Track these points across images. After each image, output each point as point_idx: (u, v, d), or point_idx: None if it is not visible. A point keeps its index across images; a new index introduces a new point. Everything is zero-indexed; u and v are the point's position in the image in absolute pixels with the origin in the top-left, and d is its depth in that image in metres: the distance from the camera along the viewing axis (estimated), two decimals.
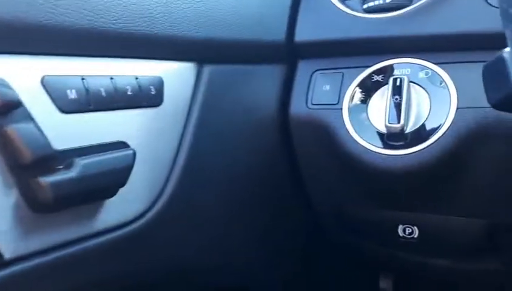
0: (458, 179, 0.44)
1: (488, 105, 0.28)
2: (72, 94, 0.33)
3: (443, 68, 0.44)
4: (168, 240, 0.44)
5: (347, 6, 0.50)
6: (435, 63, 0.44)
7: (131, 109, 0.38)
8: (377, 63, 0.47)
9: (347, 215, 0.55)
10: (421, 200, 0.48)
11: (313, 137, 0.51)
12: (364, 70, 0.47)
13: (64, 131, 0.32)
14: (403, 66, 0.45)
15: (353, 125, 0.47)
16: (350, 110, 0.47)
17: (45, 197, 0.30)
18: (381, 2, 0.48)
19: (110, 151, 0.34)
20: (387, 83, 0.45)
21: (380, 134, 0.45)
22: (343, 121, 0.47)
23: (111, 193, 0.35)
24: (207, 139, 0.46)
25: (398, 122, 0.43)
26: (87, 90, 0.34)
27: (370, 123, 0.46)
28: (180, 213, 0.43)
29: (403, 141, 0.44)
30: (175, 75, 0.43)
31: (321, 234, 0.64)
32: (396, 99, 0.43)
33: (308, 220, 0.63)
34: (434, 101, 0.43)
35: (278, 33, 0.52)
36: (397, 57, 0.46)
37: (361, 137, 0.46)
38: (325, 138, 0.49)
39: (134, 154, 0.36)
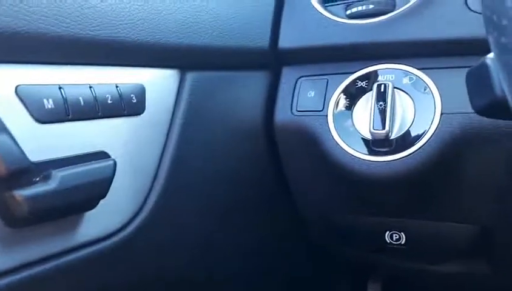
0: (444, 184, 0.44)
1: (472, 111, 0.28)
2: (49, 104, 0.32)
3: (427, 74, 0.44)
4: (152, 252, 0.42)
5: (331, 13, 0.49)
6: (419, 69, 0.44)
7: (112, 118, 0.37)
8: (361, 69, 0.47)
9: (334, 221, 0.55)
10: (408, 206, 0.48)
11: (298, 144, 0.51)
12: (348, 76, 0.47)
13: (41, 142, 0.31)
14: (387, 72, 0.45)
15: (339, 131, 0.46)
16: (335, 116, 0.47)
17: (21, 212, 0.29)
18: (364, 8, 0.48)
19: (90, 162, 0.33)
20: (371, 90, 0.45)
21: (365, 141, 0.45)
22: (328, 128, 0.47)
23: (91, 205, 0.34)
24: (191, 148, 0.45)
25: (383, 128, 0.43)
26: (64, 99, 0.33)
27: (356, 129, 0.45)
28: (163, 223, 0.43)
29: (388, 147, 0.43)
30: (157, 82, 0.42)
31: (309, 240, 0.64)
32: (380, 105, 0.43)
33: (295, 227, 0.62)
34: (418, 107, 0.43)
35: (262, 40, 0.52)
36: (381, 63, 0.46)
37: (346, 144, 0.46)
38: (310, 145, 0.49)
39: (114, 164, 0.35)
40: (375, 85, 0.44)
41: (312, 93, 0.49)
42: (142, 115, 0.40)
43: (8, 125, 0.29)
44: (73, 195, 0.31)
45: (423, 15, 0.44)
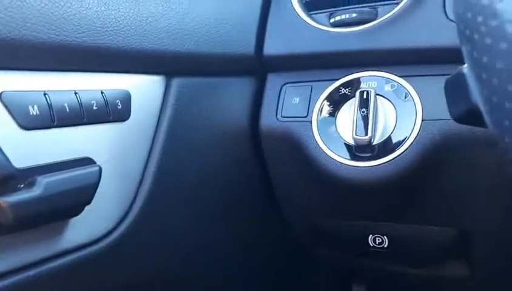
0: (425, 189, 0.45)
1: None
2: (34, 110, 0.32)
3: (408, 81, 0.45)
4: (138, 257, 0.43)
5: (315, 21, 0.50)
6: (400, 76, 0.45)
7: (97, 124, 0.37)
8: (344, 76, 0.48)
9: (318, 225, 0.56)
10: (390, 210, 0.49)
11: (283, 149, 0.51)
12: (332, 83, 0.48)
13: (26, 148, 0.31)
14: (370, 79, 0.46)
15: (322, 137, 0.47)
16: (319, 122, 0.48)
17: (6, 218, 0.29)
18: (347, 16, 0.49)
19: (75, 168, 0.33)
20: (354, 96, 0.45)
21: (348, 146, 0.45)
22: (312, 134, 0.48)
23: (77, 211, 0.34)
24: (177, 153, 0.45)
25: (366, 134, 0.43)
26: (49, 106, 0.33)
27: (339, 135, 0.46)
28: (150, 228, 0.43)
29: (371, 153, 0.44)
30: (143, 88, 0.42)
31: (294, 244, 0.65)
32: (363, 111, 0.44)
33: (281, 231, 0.63)
34: (400, 113, 0.44)
35: (247, 47, 0.52)
36: (364, 71, 0.47)
37: (330, 149, 0.46)
38: (295, 150, 0.49)
39: (100, 170, 0.35)
40: (357, 92, 0.45)
41: (297, 100, 0.50)
42: (127, 121, 0.40)
43: None
44: (58, 201, 0.31)
45: (404, 24, 0.45)
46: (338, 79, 0.48)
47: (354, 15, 0.48)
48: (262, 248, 0.64)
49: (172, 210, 0.46)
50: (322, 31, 0.49)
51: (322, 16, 0.51)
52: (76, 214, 0.34)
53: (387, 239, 0.51)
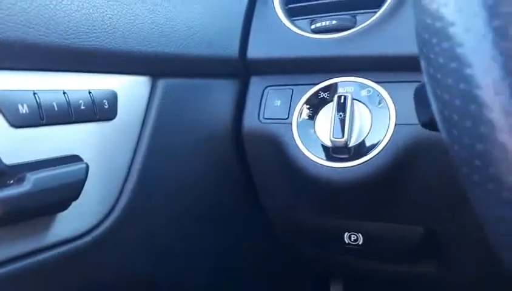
0: (397, 189, 0.48)
1: None
2: (24, 109, 0.33)
3: (384, 87, 0.47)
4: (122, 252, 0.44)
5: (297, 26, 0.52)
6: (376, 82, 0.47)
7: (85, 123, 0.38)
8: (323, 81, 0.49)
9: (298, 223, 0.57)
10: (364, 209, 0.51)
11: (265, 149, 0.53)
12: (311, 87, 0.50)
13: (15, 145, 0.32)
14: (347, 84, 0.48)
15: (302, 139, 0.49)
16: (299, 124, 0.49)
17: None
18: (327, 23, 0.51)
19: (63, 165, 0.35)
20: (332, 100, 0.47)
21: (326, 148, 0.47)
22: (292, 135, 0.49)
23: (64, 206, 0.35)
24: (161, 152, 0.46)
25: (342, 137, 0.45)
26: (39, 104, 0.34)
27: (317, 137, 0.48)
28: (133, 225, 0.44)
29: (347, 154, 0.46)
30: (129, 89, 0.43)
31: (275, 242, 0.66)
32: (340, 115, 0.46)
33: (262, 229, 0.64)
34: (375, 117, 0.46)
35: (231, 50, 0.54)
36: (342, 76, 0.49)
37: (308, 150, 0.48)
38: (276, 151, 0.51)
39: (87, 167, 0.36)
40: (335, 97, 0.47)
41: (278, 102, 0.52)
42: (113, 120, 0.41)
43: None
44: (46, 197, 0.32)
45: (380, 32, 0.48)
46: (318, 84, 0.50)
47: (334, 22, 0.50)
48: (244, 247, 0.65)
49: (156, 207, 0.47)
50: (303, 36, 0.51)
51: (304, 22, 0.52)
52: (63, 210, 0.35)
53: (362, 236, 0.53)
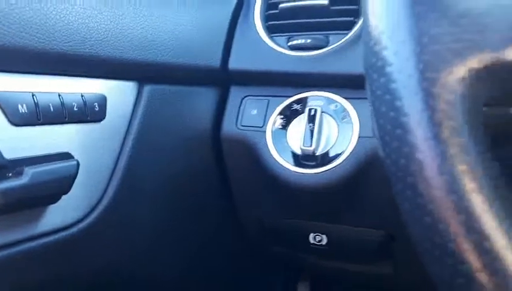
0: (358, 195, 0.52)
1: None
2: (23, 109, 0.36)
3: (350, 102, 0.51)
4: (105, 244, 0.47)
5: (275, 43, 0.56)
6: (343, 98, 0.51)
7: (77, 123, 0.41)
8: (296, 94, 0.53)
9: (267, 224, 0.61)
10: (328, 212, 0.55)
11: (241, 154, 0.56)
12: (286, 99, 0.54)
13: (15, 142, 0.36)
14: (318, 98, 0.52)
15: (275, 146, 0.52)
16: (273, 133, 0.53)
17: None
18: (303, 41, 0.55)
19: (56, 161, 0.38)
20: (304, 112, 0.51)
21: (296, 155, 0.51)
22: (266, 142, 0.53)
23: (56, 199, 0.38)
24: (145, 153, 0.49)
25: (311, 146, 0.49)
26: (36, 105, 0.37)
27: (289, 145, 0.52)
28: (117, 219, 0.47)
29: (314, 162, 0.50)
30: (117, 93, 0.47)
31: (247, 242, 0.70)
32: (310, 126, 0.50)
33: (236, 230, 0.67)
34: (341, 129, 0.51)
35: (214, 60, 0.57)
36: (313, 91, 0.52)
37: (280, 157, 0.52)
38: (251, 156, 0.54)
39: (77, 164, 0.40)
40: (306, 109, 0.51)
41: (255, 111, 0.55)
42: (102, 122, 0.44)
43: None
44: (41, 189, 0.36)
45: (349, 53, 0.52)
46: (291, 96, 0.54)
47: (309, 41, 0.54)
48: (217, 245, 0.69)
49: (138, 204, 0.50)
50: (280, 52, 0.55)
51: (281, 38, 0.56)
52: (54, 202, 0.39)
53: (326, 237, 0.58)
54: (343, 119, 0.51)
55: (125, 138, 0.48)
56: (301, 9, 0.55)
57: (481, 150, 0.20)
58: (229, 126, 0.57)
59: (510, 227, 0.20)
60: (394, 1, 0.21)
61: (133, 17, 0.47)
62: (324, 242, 0.58)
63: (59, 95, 0.40)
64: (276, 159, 0.52)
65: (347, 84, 0.52)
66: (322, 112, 0.51)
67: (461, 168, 0.20)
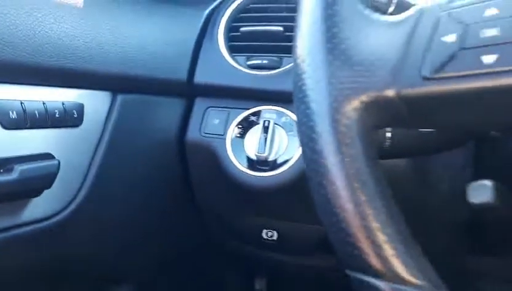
0: (303, 196, 0.59)
1: None
2: (13, 115, 0.42)
3: None
4: (78, 237, 0.53)
5: (236, 61, 0.62)
6: (292, 112, 0.58)
7: (58, 128, 0.47)
8: (253, 107, 0.59)
9: (225, 221, 0.68)
10: (278, 210, 0.62)
11: (203, 159, 0.61)
12: (244, 111, 0.60)
13: (6, 143, 0.41)
14: (271, 112, 0.59)
15: (233, 152, 0.58)
16: (232, 140, 0.59)
17: None
18: (260, 62, 0.62)
19: (41, 161, 0.44)
20: (259, 123, 0.58)
21: (251, 160, 0.58)
22: (226, 148, 0.59)
23: (39, 193, 0.44)
24: (116, 156, 0.55)
25: (264, 152, 0.57)
26: (24, 112, 0.43)
27: (245, 151, 0.58)
28: (89, 214, 0.52)
29: (267, 167, 0.57)
30: (93, 101, 0.52)
31: (207, 238, 0.75)
32: (264, 135, 0.57)
33: (196, 226, 0.73)
34: (290, 139, 0.58)
35: (181, 74, 0.62)
36: (268, 105, 0.59)
37: (238, 162, 0.58)
38: (212, 160, 0.60)
39: (59, 163, 0.46)
40: (261, 121, 0.58)
41: (217, 121, 0.61)
42: (80, 127, 0.50)
43: None
44: (28, 184, 0.42)
45: None
46: (249, 109, 0.60)
47: (265, 61, 0.62)
48: (182, 242, 0.74)
49: (109, 201, 0.55)
50: (240, 70, 0.61)
51: (242, 58, 0.63)
52: (38, 195, 0.44)
53: (277, 233, 0.65)
54: (291, 130, 0.59)
55: (99, 142, 0.53)
56: (259, 33, 0.63)
57: (369, 158, 0.28)
58: (193, 133, 0.62)
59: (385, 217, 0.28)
60: (314, 49, 0.29)
61: (110, 35, 0.53)
62: (275, 237, 0.66)
63: (44, 103, 0.46)
64: (234, 163, 0.59)
65: None
66: (274, 124, 0.59)
67: (352, 171, 0.28)
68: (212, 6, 0.68)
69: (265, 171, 0.58)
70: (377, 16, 0.30)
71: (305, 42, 0.30)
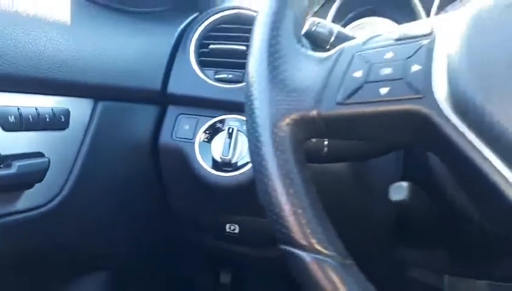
0: None
1: None
2: (11, 119, 0.49)
3: None
4: (64, 226, 0.59)
5: (205, 74, 0.67)
6: None
7: (48, 131, 0.53)
8: (219, 115, 0.65)
9: (193, 217, 0.75)
10: (240, 206, 0.69)
11: (174, 161, 0.66)
12: (211, 119, 0.65)
13: (5, 143, 0.47)
14: (235, 120, 0.65)
15: (201, 154, 0.64)
16: (200, 144, 0.64)
17: None
18: (226, 76, 0.70)
19: (34, 158, 0.51)
20: (224, 130, 0.64)
21: (216, 162, 0.63)
22: (195, 151, 0.64)
23: (32, 185, 0.51)
24: (97, 157, 0.60)
25: (228, 155, 0.62)
26: (21, 116, 0.49)
27: (212, 154, 0.63)
28: (74, 206, 0.58)
29: (230, 168, 0.62)
30: (78, 108, 0.58)
31: (176, 235, 0.82)
32: (228, 140, 0.63)
33: (167, 224, 0.79)
34: None
35: (155, 84, 0.67)
36: (232, 114, 0.65)
37: (205, 163, 0.63)
38: (182, 162, 0.64)
39: (49, 161, 0.53)
40: (226, 128, 0.63)
41: (187, 127, 0.66)
42: (66, 130, 0.56)
43: None
44: (23, 178, 0.48)
45: None
46: (215, 117, 0.65)
47: (231, 76, 0.69)
48: (153, 236, 0.80)
49: (91, 196, 0.61)
50: (208, 83, 0.66)
51: (210, 71, 0.70)
52: (31, 188, 0.51)
53: (238, 227, 0.74)
54: None
55: (82, 143, 0.59)
56: (226, 51, 0.71)
57: (298, 162, 0.37)
58: (165, 137, 0.67)
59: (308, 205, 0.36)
60: (259, 78, 0.38)
61: (92, 49, 0.59)
62: (237, 230, 0.74)
63: (36, 109, 0.52)
64: (202, 164, 0.64)
65: None
66: (238, 130, 0.63)
67: (284, 172, 0.36)
68: (184, 24, 0.75)
69: (228, 171, 0.63)
70: (310, 52, 0.39)
71: (253, 71, 0.39)
